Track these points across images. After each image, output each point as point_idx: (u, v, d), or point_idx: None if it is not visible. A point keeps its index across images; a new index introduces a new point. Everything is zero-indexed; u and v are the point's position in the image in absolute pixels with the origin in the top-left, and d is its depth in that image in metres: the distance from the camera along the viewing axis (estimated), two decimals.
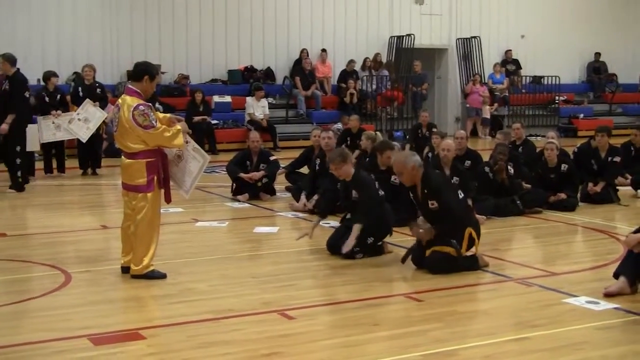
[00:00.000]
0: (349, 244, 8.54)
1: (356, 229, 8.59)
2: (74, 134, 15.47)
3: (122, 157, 7.78)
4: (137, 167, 7.62)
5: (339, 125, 20.19)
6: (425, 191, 8.11)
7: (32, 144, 15.14)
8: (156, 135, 7.57)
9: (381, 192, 9.08)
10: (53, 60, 20.24)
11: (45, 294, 7.26)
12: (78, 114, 15.43)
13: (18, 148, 13.67)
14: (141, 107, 7.55)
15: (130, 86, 7.80)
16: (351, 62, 24.01)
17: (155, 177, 7.67)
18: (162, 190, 7.81)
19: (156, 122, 7.58)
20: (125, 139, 7.65)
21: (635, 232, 7.33)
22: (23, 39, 20.37)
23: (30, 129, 14.90)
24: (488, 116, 25.03)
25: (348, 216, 9.22)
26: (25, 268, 8.32)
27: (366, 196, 8.77)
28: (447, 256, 7.98)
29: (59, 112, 15.63)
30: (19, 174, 13.72)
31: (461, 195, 8.37)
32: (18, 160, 13.67)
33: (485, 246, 8.91)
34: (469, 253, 8.16)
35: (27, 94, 14.08)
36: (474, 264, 8.18)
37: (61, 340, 5.95)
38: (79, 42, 21.10)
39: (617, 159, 12.88)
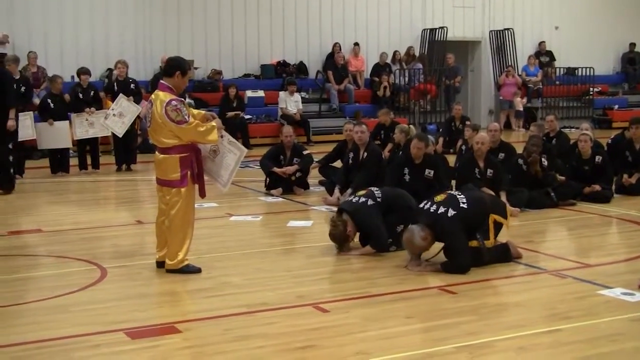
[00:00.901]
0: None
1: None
2: (110, 129, 15.63)
3: (156, 152, 7.84)
4: (171, 162, 7.67)
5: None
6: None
7: (64, 141, 15.32)
8: (189, 130, 7.61)
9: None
10: (87, 56, 20.38)
11: (81, 289, 7.34)
12: (112, 109, 15.60)
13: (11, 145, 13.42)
14: (174, 102, 7.60)
15: (162, 82, 7.86)
16: (383, 54, 23.97)
17: (189, 172, 7.72)
18: (197, 185, 7.86)
19: (189, 117, 7.62)
20: (159, 134, 7.70)
21: None
22: (56, 36, 20.54)
23: (63, 126, 15.08)
24: (521, 109, 24.90)
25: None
26: (61, 263, 8.41)
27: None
28: (471, 250, 7.94)
29: (92, 109, 15.78)
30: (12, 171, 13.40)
31: (469, 193, 8.37)
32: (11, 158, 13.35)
33: (519, 238, 8.90)
34: (499, 241, 8.12)
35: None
36: (504, 256, 8.14)
37: (98, 334, 6.02)
38: (112, 39, 21.23)
39: None
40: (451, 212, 7.77)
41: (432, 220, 7.83)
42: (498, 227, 8.12)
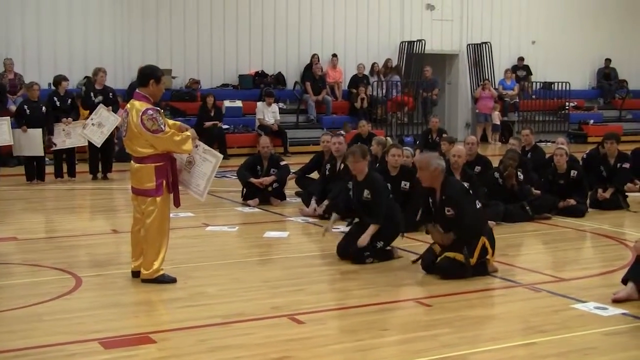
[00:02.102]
0: (364, 239, 8.62)
1: (372, 227, 8.69)
2: (88, 138, 15.56)
3: (132, 161, 7.83)
4: (146, 172, 7.66)
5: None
6: (444, 197, 8.14)
7: (38, 149, 15.23)
8: (165, 140, 7.61)
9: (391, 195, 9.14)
10: (64, 64, 20.34)
11: (56, 298, 7.30)
12: (92, 119, 15.54)
13: None
14: (150, 112, 7.59)
15: (138, 91, 7.85)
16: (360, 66, 24.05)
17: (164, 182, 7.71)
18: (172, 195, 7.85)
19: (165, 126, 7.62)
20: (134, 144, 7.69)
21: None
22: (34, 43, 20.49)
23: (36, 133, 15.00)
24: (498, 122, 25.04)
25: (356, 220, 9.25)
26: (36, 272, 8.36)
27: (380, 197, 8.83)
28: (457, 263, 7.99)
29: (69, 119, 15.72)
30: None
31: (479, 205, 8.47)
32: None
33: (495, 251, 8.91)
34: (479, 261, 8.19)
35: None
36: (482, 270, 8.20)
37: (72, 343, 5.98)
38: (90, 47, 21.19)
39: (626, 165, 12.87)
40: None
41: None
42: (484, 252, 8.15)
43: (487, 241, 8.15)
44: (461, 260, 7.99)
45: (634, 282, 7.18)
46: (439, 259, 8.14)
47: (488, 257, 8.21)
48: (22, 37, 20.50)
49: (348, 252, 8.79)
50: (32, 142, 15.27)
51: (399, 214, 9.09)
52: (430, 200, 8.34)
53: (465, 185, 10.60)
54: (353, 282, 8.11)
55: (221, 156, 8.27)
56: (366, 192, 8.85)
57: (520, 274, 8.39)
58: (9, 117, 15.39)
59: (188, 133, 7.80)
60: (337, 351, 5.90)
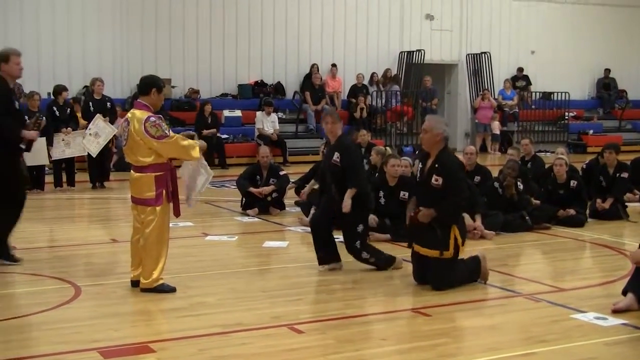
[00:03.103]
0: (346, 204, 8.50)
1: (350, 191, 8.53)
2: (85, 148, 15.58)
3: (131, 171, 7.83)
4: (146, 181, 7.67)
5: None
6: (436, 165, 7.98)
7: (42, 158, 15.21)
8: (171, 145, 7.62)
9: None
10: (64, 74, 20.36)
11: (55, 307, 7.29)
12: (89, 129, 15.57)
13: None
14: (152, 119, 7.62)
15: (139, 100, 7.87)
16: (359, 75, 24.09)
17: (164, 191, 7.71)
18: (171, 204, 7.85)
19: (169, 131, 7.64)
20: (135, 153, 7.69)
21: None
22: (33, 52, 20.49)
23: (40, 143, 14.97)
24: (497, 132, 25.05)
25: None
26: (35, 281, 8.36)
27: (353, 160, 8.68)
28: (445, 264, 7.93)
29: (69, 129, 15.73)
30: None
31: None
32: None
33: (494, 261, 8.93)
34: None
35: None
36: (474, 269, 8.20)
37: (71, 353, 5.98)
38: (89, 56, 21.24)
39: (625, 175, 12.87)
40: None
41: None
42: (457, 245, 8.00)
43: (457, 232, 7.98)
44: (436, 255, 7.92)
45: (634, 292, 7.17)
46: (414, 247, 8.14)
47: (461, 247, 8.02)
48: (21, 47, 20.34)
49: (323, 224, 8.82)
50: (34, 151, 15.19)
51: (368, 185, 9.08)
52: (419, 168, 8.24)
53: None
54: (352, 292, 8.11)
55: (212, 173, 8.27)
56: (336, 155, 8.66)
57: (520, 284, 8.38)
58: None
59: (196, 141, 7.82)
60: None
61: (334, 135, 8.87)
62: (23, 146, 9.22)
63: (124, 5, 21.79)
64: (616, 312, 7.08)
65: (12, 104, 9.18)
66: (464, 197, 8.10)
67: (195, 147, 7.73)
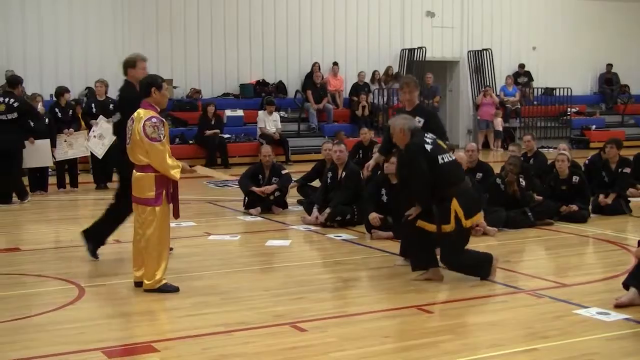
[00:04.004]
0: None
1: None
2: (91, 150, 15.62)
3: (134, 170, 7.86)
4: (147, 180, 7.69)
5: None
6: (402, 156, 8.25)
7: (46, 159, 15.26)
8: (158, 152, 7.62)
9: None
10: (66, 76, 20.38)
11: (59, 308, 7.32)
12: (93, 131, 15.65)
13: None
14: (154, 119, 7.65)
15: (144, 101, 7.90)
16: (361, 73, 24.08)
17: (164, 192, 7.73)
18: (171, 205, 7.87)
19: (163, 137, 7.65)
20: (136, 152, 7.73)
21: None
22: (35, 55, 20.55)
23: (44, 144, 15.02)
24: (500, 129, 25.03)
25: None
26: (39, 282, 8.39)
27: (438, 124, 8.93)
28: (448, 238, 7.99)
29: (71, 130, 15.76)
30: None
31: (445, 159, 8.11)
32: None
33: (498, 257, 8.93)
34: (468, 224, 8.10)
35: None
36: (482, 263, 8.26)
37: (75, 353, 6.00)
38: (91, 58, 21.26)
39: (627, 170, 12.88)
40: (429, 147, 8.02)
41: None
42: (459, 220, 8.00)
43: (457, 205, 7.98)
44: (432, 230, 7.99)
45: (636, 287, 7.18)
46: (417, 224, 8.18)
47: (464, 221, 8.02)
48: (23, 49, 20.55)
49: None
50: (39, 153, 15.27)
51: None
52: None
53: None
54: (355, 290, 8.15)
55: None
56: (417, 120, 8.63)
57: (523, 280, 8.40)
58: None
59: (181, 164, 7.83)
60: (339, 359, 5.90)
61: (411, 103, 8.90)
62: None
63: (126, 6, 21.81)
64: (619, 307, 7.09)
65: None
66: (420, 181, 8.01)
67: (178, 169, 7.73)
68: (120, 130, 8.83)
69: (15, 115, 14.02)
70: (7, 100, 14.07)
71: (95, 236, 9.44)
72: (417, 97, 9.01)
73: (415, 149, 8.04)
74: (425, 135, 8.20)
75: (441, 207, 7.97)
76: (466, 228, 8.10)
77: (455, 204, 7.95)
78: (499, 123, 24.99)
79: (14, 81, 14.53)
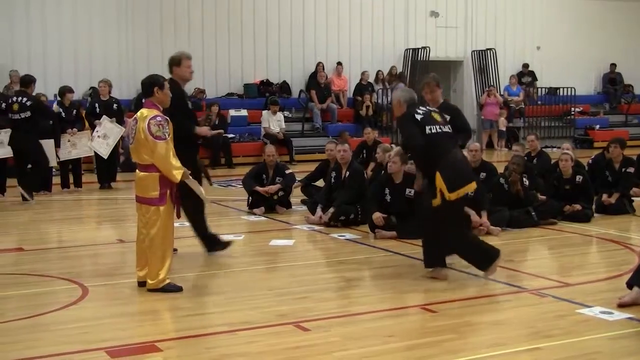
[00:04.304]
0: None
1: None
2: (95, 151, 15.64)
3: (137, 170, 7.87)
4: (151, 180, 7.69)
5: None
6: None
7: (50, 159, 15.27)
8: (162, 151, 7.60)
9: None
10: (70, 75, 20.40)
11: (62, 307, 7.33)
12: (97, 131, 15.67)
13: None
14: (158, 118, 7.67)
15: (147, 100, 7.91)
16: (365, 73, 24.09)
17: (168, 191, 7.74)
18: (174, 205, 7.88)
19: (168, 136, 7.65)
20: (140, 151, 7.73)
21: None
22: (39, 55, 20.58)
23: (48, 144, 15.04)
24: (504, 128, 25.01)
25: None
26: (42, 282, 8.39)
27: (462, 115, 9.13)
28: (433, 212, 8.09)
29: (74, 130, 15.76)
30: None
31: (434, 130, 8.17)
32: None
33: (501, 257, 8.92)
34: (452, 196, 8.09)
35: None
36: (485, 254, 8.36)
37: (79, 352, 6.01)
38: (95, 58, 21.31)
39: (631, 169, 12.84)
40: (419, 117, 8.23)
41: None
42: (443, 194, 8.04)
43: (440, 175, 8.01)
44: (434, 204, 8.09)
45: (639, 286, 7.18)
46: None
47: (447, 194, 8.01)
48: (27, 49, 20.59)
49: None
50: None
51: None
52: None
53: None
54: (358, 289, 8.16)
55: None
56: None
57: (526, 280, 8.40)
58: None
59: (184, 168, 7.80)
60: (342, 358, 5.91)
61: (435, 102, 8.92)
62: (199, 142, 9.69)
63: (130, 6, 21.85)
64: (622, 306, 7.09)
65: (187, 105, 9.57)
66: (412, 144, 8.34)
67: (180, 170, 7.69)
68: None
69: (28, 113, 14.25)
70: (20, 99, 14.33)
71: (209, 240, 9.57)
72: (440, 95, 9.02)
73: (405, 118, 8.28)
74: (420, 107, 8.34)
75: (429, 182, 8.15)
76: (454, 201, 8.08)
77: (438, 178, 8.02)
78: (502, 123, 24.96)
79: (27, 80, 14.75)
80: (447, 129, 8.28)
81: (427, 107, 8.44)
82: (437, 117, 8.29)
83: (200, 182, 8.99)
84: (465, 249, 8.35)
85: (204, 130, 9.64)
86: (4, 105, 14.48)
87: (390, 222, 10.55)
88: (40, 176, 14.62)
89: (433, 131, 8.13)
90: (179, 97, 9.04)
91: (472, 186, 8.26)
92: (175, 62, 9.32)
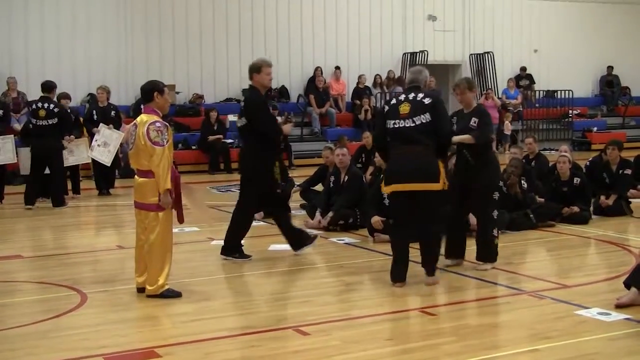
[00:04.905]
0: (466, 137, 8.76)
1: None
2: (98, 160, 15.62)
3: (136, 175, 7.87)
4: (150, 186, 7.69)
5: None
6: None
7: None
8: (159, 158, 7.59)
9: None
10: (68, 82, 20.38)
11: (61, 314, 7.33)
12: (96, 140, 15.61)
13: None
14: (158, 124, 7.67)
15: (147, 106, 7.92)
16: (361, 77, 24.10)
17: None
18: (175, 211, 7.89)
19: (167, 143, 7.65)
20: (140, 157, 7.73)
21: None
22: (37, 61, 20.60)
23: None
24: (508, 132, 24.77)
25: None
26: (41, 289, 8.40)
27: (487, 120, 8.95)
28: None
29: (72, 137, 15.74)
30: None
31: (397, 125, 8.26)
32: None
33: (500, 260, 8.96)
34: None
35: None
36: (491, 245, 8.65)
37: (78, 359, 6.02)
38: (93, 64, 21.33)
39: (628, 171, 12.90)
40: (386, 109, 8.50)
41: None
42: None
43: (386, 168, 8.41)
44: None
45: (637, 287, 7.20)
46: None
47: (382, 186, 8.39)
48: (25, 55, 20.62)
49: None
50: None
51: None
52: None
53: None
54: (357, 293, 8.16)
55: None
56: (473, 121, 8.76)
57: (525, 282, 8.42)
58: (12, 135, 15.38)
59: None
60: None
61: (468, 105, 8.99)
62: (282, 146, 9.82)
63: (128, 12, 21.88)
64: (619, 307, 7.11)
65: (268, 110, 9.76)
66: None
67: (166, 183, 7.64)
68: (244, 134, 9.49)
69: (55, 120, 14.36)
70: (46, 105, 14.39)
71: (233, 248, 9.64)
72: (473, 98, 9.04)
73: (378, 111, 8.43)
74: (401, 95, 8.43)
75: None
76: (392, 194, 8.39)
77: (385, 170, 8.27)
78: (507, 127, 24.63)
79: (49, 86, 14.81)
80: (410, 123, 8.17)
81: (405, 96, 8.35)
82: (406, 108, 8.23)
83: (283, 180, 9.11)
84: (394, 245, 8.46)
85: (287, 128, 10.27)
86: (26, 109, 14.60)
87: (389, 225, 10.54)
88: (63, 182, 14.84)
89: (391, 126, 8.27)
90: (261, 103, 9.30)
91: (409, 186, 8.17)
92: (256, 69, 9.40)
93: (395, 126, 8.21)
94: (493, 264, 8.82)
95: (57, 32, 21.03)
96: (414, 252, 8.42)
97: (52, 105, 14.40)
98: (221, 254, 9.59)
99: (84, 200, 15.55)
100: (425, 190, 8.07)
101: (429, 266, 8.25)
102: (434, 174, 8.07)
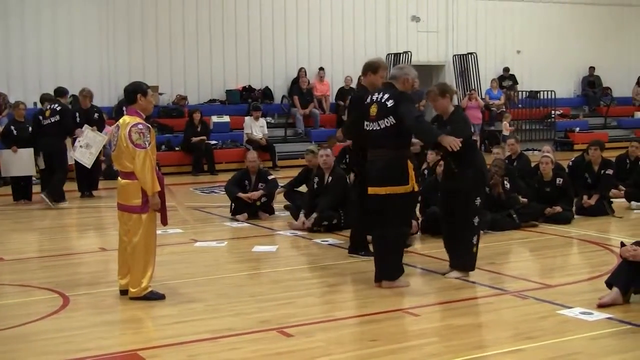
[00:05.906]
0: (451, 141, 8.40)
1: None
2: (79, 161, 15.55)
3: (119, 177, 7.85)
4: (133, 188, 7.67)
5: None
6: None
7: (28, 168, 15.23)
8: (142, 160, 7.56)
9: None
10: (50, 83, 20.26)
11: (43, 317, 7.29)
12: (79, 141, 15.52)
13: None
14: (140, 126, 7.64)
15: (130, 107, 7.89)
16: (347, 78, 24.08)
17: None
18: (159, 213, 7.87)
19: (149, 145, 7.63)
20: (122, 159, 7.70)
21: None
22: (18, 62, 20.52)
23: (27, 153, 15.01)
24: (507, 133, 24.61)
25: None
26: (23, 292, 8.35)
27: (460, 129, 8.46)
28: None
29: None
30: None
31: (370, 127, 8.29)
32: None
33: (483, 260, 8.96)
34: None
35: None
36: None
37: None
38: (76, 65, 21.23)
39: (610, 171, 12.96)
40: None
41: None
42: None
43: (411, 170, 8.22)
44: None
45: (618, 286, 7.24)
46: None
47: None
48: (6, 56, 20.52)
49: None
50: (21, 162, 15.25)
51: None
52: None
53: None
54: (341, 294, 8.17)
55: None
56: (448, 128, 8.44)
57: (508, 282, 8.44)
58: None
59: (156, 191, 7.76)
60: None
61: (443, 111, 8.75)
62: None
63: (111, 14, 21.80)
64: (601, 306, 7.15)
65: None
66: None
67: (155, 183, 7.63)
68: (351, 129, 9.38)
69: (57, 117, 15.08)
70: (51, 106, 15.27)
71: (360, 244, 9.66)
72: (448, 104, 8.65)
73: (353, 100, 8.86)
74: (371, 98, 8.39)
75: None
76: (368, 196, 8.33)
77: (410, 165, 8.19)
78: (506, 127, 24.41)
79: (62, 91, 16.08)
80: (376, 126, 8.21)
81: (376, 96, 8.34)
82: (374, 110, 8.26)
83: None
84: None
85: None
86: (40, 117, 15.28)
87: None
88: (63, 182, 15.14)
89: (365, 128, 8.37)
90: (358, 101, 9.08)
91: (377, 190, 8.18)
92: (372, 68, 9.30)
93: (367, 128, 8.33)
94: (464, 273, 8.55)
95: (38, 34, 20.92)
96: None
97: (55, 105, 15.26)
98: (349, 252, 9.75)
99: (66, 202, 15.46)
100: (392, 193, 8.07)
101: (384, 273, 8.23)
102: (398, 177, 8.05)
